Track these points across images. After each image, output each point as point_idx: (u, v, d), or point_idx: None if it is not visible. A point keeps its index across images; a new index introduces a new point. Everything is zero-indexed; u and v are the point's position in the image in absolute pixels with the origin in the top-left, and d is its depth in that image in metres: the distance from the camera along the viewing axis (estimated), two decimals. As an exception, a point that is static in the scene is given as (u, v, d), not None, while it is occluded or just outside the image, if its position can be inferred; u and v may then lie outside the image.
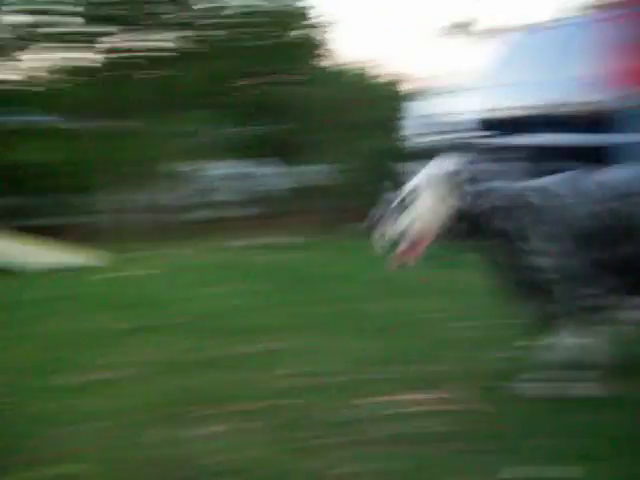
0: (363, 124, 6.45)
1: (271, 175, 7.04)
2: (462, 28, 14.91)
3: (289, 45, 6.83)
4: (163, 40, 6.46)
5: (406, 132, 7.89)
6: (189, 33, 6.43)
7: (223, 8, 6.92)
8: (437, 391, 2.44)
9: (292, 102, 6.16)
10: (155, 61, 6.37)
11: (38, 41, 6.45)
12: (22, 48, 6.54)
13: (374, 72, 7.53)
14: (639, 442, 2.00)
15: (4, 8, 6.51)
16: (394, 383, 2.54)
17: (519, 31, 10.08)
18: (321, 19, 7.26)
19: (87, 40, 6.50)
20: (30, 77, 6.72)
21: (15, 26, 6.48)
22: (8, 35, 6.42)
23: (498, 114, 8.01)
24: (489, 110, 8.34)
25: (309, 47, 6.91)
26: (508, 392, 2.38)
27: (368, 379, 2.60)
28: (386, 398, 2.39)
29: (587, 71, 6.43)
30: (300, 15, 7.35)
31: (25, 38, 6.43)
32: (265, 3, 7.24)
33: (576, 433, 2.00)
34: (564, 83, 7.23)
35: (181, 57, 6.35)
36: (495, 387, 2.44)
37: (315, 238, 5.79)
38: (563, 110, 7.00)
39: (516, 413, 2.23)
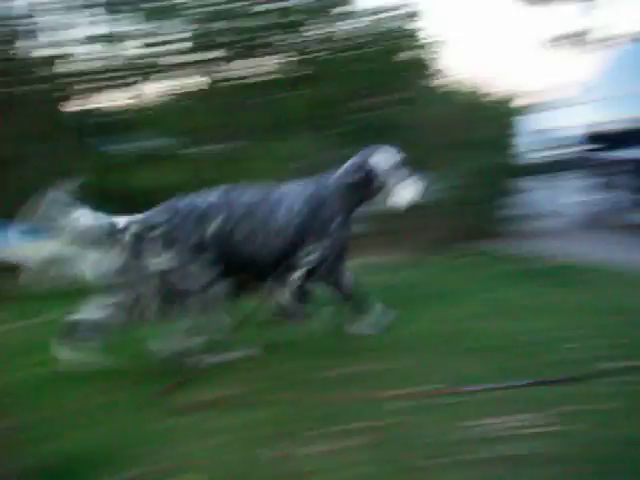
0: (475, 142, 6.38)
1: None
2: (572, 39, 14.44)
3: (400, 66, 6.89)
4: (275, 64, 6.67)
5: (519, 148, 7.76)
6: (300, 57, 6.59)
7: (333, 33, 7.06)
8: (542, 412, 2.42)
9: (402, 122, 6.17)
10: (266, 85, 6.55)
11: (153, 71, 6.85)
12: (138, 78, 6.95)
13: (484, 89, 7.46)
14: None
15: (121, 40, 6.90)
16: (501, 404, 2.54)
17: (629, 41, 9.79)
18: (430, 39, 7.29)
19: (200, 67, 6.82)
20: (144, 104, 7.13)
21: (131, 57, 6.92)
22: (125, 66, 6.85)
23: (606, 128, 7.86)
24: (597, 124, 8.17)
25: (419, 68, 6.93)
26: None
27: (475, 400, 2.60)
28: (492, 419, 2.39)
29: None
30: (410, 36, 7.42)
31: (140, 68, 6.84)
32: (375, 25, 7.33)
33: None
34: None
35: (292, 80, 6.51)
36: (593, 409, 2.40)
37: (427, 256, 5.73)
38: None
39: (613, 436, 2.19)
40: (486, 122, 6.49)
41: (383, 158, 3.61)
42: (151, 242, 3.12)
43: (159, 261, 3.10)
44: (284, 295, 3.42)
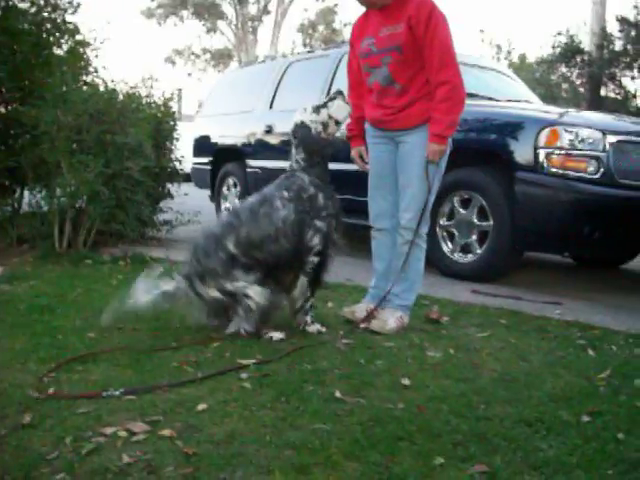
0: (126, 145, 6.31)
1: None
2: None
3: (50, 60, 6.51)
4: None
5: (176, 154, 7.95)
6: None
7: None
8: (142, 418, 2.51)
9: (39, 122, 5.79)
10: None
11: None
12: None
13: (140, 93, 7.44)
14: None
15: None
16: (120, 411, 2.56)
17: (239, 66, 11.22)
18: (87, 36, 7.03)
19: None
20: None
21: None
22: None
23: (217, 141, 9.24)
24: (207, 137, 9.50)
25: (69, 63, 6.63)
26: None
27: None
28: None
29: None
30: (66, 30, 7.07)
31: None
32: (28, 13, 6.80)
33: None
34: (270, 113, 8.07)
35: None
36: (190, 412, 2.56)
37: (35, 267, 5.47)
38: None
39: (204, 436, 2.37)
40: (140, 125, 6.46)
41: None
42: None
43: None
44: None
